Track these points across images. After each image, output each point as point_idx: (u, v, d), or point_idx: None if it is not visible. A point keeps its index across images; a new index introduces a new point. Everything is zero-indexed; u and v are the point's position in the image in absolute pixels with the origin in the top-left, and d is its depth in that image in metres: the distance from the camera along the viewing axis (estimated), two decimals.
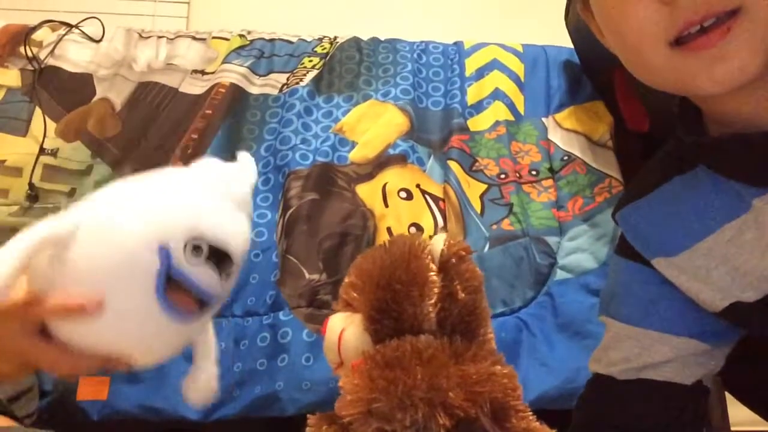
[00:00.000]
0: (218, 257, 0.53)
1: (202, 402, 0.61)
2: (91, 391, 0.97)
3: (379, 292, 0.46)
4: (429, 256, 0.48)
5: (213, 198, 0.56)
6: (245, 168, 0.61)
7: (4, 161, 1.17)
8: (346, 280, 0.51)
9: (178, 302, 0.52)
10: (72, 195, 1.15)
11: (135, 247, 0.51)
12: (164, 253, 0.51)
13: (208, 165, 0.59)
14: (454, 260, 0.47)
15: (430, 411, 0.38)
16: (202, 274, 0.53)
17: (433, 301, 0.46)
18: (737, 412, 1.29)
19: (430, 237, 0.51)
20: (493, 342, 0.48)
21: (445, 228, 1.13)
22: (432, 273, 0.47)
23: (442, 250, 0.48)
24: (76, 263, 0.50)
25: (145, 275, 0.51)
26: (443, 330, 0.46)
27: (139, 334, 0.53)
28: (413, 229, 1.12)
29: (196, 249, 0.52)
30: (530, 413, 0.44)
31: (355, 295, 0.49)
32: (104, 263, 0.50)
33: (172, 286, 0.51)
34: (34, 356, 0.53)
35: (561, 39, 1.40)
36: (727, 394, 1.35)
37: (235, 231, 0.56)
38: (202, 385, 0.61)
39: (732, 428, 1.38)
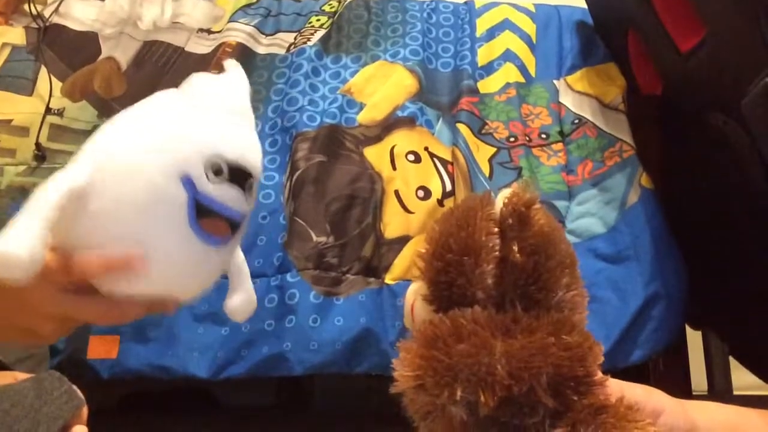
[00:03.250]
0: (238, 174, 0.53)
1: (246, 318, 0.63)
2: (101, 350, 0.99)
3: (434, 263, 0.43)
4: (492, 218, 0.43)
5: (217, 115, 0.55)
6: (236, 77, 0.59)
7: (10, 121, 1.17)
8: (419, 247, 0.47)
9: (212, 229, 0.52)
10: None
11: (158, 184, 0.49)
12: (188, 181, 0.50)
13: (199, 82, 0.57)
14: (511, 220, 0.42)
15: (471, 388, 0.37)
16: (227, 195, 0.52)
17: (490, 267, 0.41)
18: (741, 376, 1.31)
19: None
20: (576, 312, 0.43)
21: (453, 192, 1.12)
22: (491, 235, 0.42)
23: (501, 208, 0.43)
24: (102, 213, 0.49)
25: (174, 209, 0.50)
26: (504, 299, 0.42)
27: (181, 269, 0.52)
28: (421, 193, 1.11)
29: (217, 171, 0.51)
30: (599, 386, 0.40)
31: (421, 264, 0.45)
32: (131, 208, 0.49)
33: (202, 213, 0.51)
34: (78, 313, 0.52)
35: None
36: (731, 358, 1.36)
37: (247, 144, 0.55)
38: (245, 302, 0.63)
39: (735, 392, 1.39)
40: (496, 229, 0.42)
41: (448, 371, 0.37)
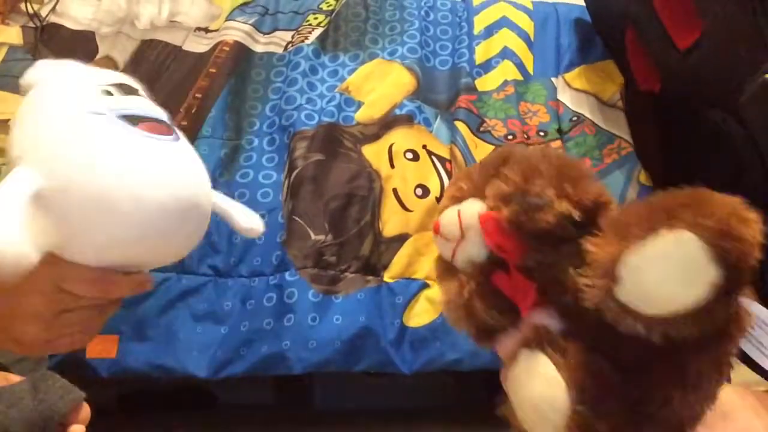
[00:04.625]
0: (126, 88, 0.56)
1: (259, 229, 0.64)
2: (100, 349, 0.99)
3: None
4: None
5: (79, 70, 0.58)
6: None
7: (7, 120, 1.17)
8: (446, 193, 0.46)
9: (153, 129, 0.53)
10: None
11: (83, 131, 0.51)
12: (97, 113, 0.52)
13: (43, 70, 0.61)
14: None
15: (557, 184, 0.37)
16: (137, 103, 0.54)
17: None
18: (740, 372, 1.31)
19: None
20: None
21: None
22: None
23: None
24: (63, 201, 0.49)
25: (110, 129, 0.51)
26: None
27: (155, 168, 0.52)
28: (419, 191, 1.11)
29: (107, 93, 0.54)
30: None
31: (463, 185, 0.44)
32: (81, 162, 0.49)
33: (134, 121, 0.52)
34: (65, 281, 0.52)
35: None
36: None
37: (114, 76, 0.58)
38: (247, 214, 0.63)
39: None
40: None
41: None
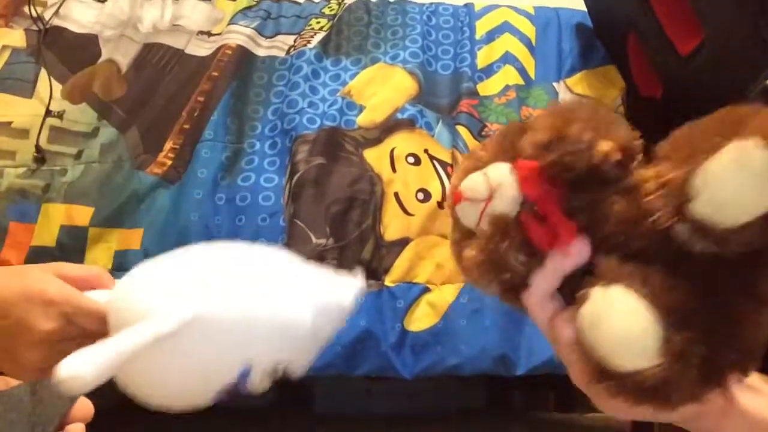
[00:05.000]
0: (282, 380, 0.53)
1: None
2: None
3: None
4: None
5: (317, 322, 0.53)
6: (350, 290, 0.55)
7: (10, 123, 1.17)
8: (461, 167, 0.45)
9: (227, 398, 0.52)
10: (79, 157, 1.15)
11: (224, 364, 0.49)
12: (244, 373, 0.49)
13: (317, 275, 0.55)
14: None
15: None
16: (258, 390, 0.52)
17: None
18: None
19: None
20: None
21: None
22: None
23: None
24: (166, 357, 0.49)
25: (217, 386, 0.50)
26: None
27: (186, 404, 0.52)
28: (421, 195, 1.12)
29: (273, 372, 0.51)
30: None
31: (482, 155, 0.43)
32: (189, 369, 0.49)
33: (230, 394, 0.51)
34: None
35: (574, 1, 1.37)
36: None
37: (311, 359, 0.55)
38: None
39: None
40: None
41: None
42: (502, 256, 0.40)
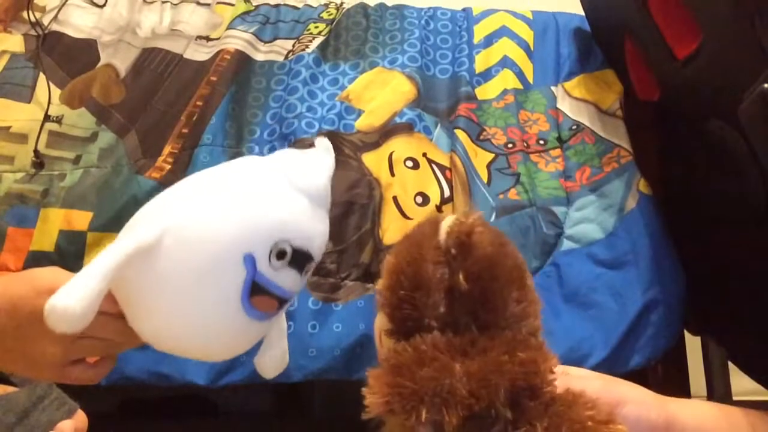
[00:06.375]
0: (300, 258, 0.53)
1: (275, 375, 0.63)
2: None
3: (389, 298, 0.45)
4: (438, 247, 0.45)
5: (295, 197, 0.55)
6: (322, 157, 0.59)
7: (8, 128, 1.17)
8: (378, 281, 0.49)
9: (261, 306, 0.52)
10: (77, 162, 1.15)
11: (222, 255, 0.50)
12: (250, 261, 0.50)
13: (286, 156, 0.57)
14: (454, 249, 0.43)
15: (436, 409, 0.39)
16: (285, 278, 0.53)
17: (441, 296, 0.43)
18: (740, 381, 1.31)
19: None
20: (520, 320, 0.45)
21: (451, 198, 1.13)
22: (439, 266, 0.44)
23: (444, 239, 0.44)
24: (161, 270, 0.50)
25: (231, 284, 0.50)
26: (458, 324, 0.43)
27: (222, 338, 0.53)
28: (419, 199, 1.12)
29: (280, 254, 0.52)
30: (552, 387, 0.42)
31: (380, 298, 0.47)
32: (190, 271, 0.50)
33: (255, 292, 0.51)
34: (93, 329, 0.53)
35: (572, 6, 1.37)
36: (730, 364, 1.36)
37: (317, 230, 0.56)
38: (277, 361, 0.62)
39: (734, 398, 1.39)
40: (443, 259, 0.44)
41: (413, 396, 0.39)
42: None
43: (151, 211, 0.53)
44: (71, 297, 0.44)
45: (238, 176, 0.56)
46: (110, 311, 0.53)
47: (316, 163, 0.59)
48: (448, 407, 0.38)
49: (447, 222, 0.45)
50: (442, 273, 0.44)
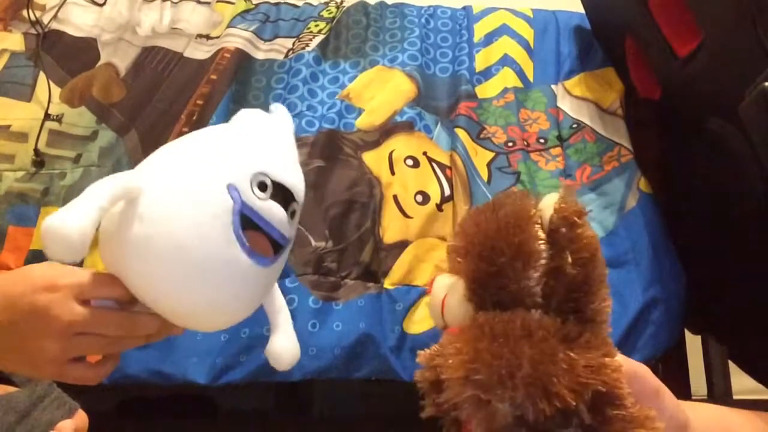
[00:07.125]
0: (281, 192, 0.54)
1: (289, 366, 0.61)
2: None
3: (480, 264, 0.42)
4: (538, 222, 0.42)
5: (265, 140, 0.57)
6: (282, 116, 0.62)
7: (9, 126, 1.17)
8: (451, 241, 0.46)
9: (255, 244, 0.52)
10: (77, 161, 1.15)
11: (205, 189, 0.51)
12: (234, 190, 0.51)
13: (248, 115, 0.59)
14: (564, 229, 0.40)
15: (530, 394, 0.36)
16: (272, 212, 0.53)
17: (538, 274, 0.41)
18: (740, 380, 1.31)
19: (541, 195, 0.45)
20: (606, 323, 0.43)
21: (451, 197, 1.12)
22: (540, 242, 0.41)
23: (552, 215, 0.41)
24: (150, 216, 0.50)
25: (221, 214, 0.51)
26: (549, 306, 0.41)
27: (225, 282, 0.52)
28: (420, 197, 1.12)
29: (261, 186, 0.53)
30: (629, 402, 0.40)
31: (459, 260, 0.44)
32: (177, 211, 0.50)
33: (246, 225, 0.52)
34: (93, 320, 0.53)
35: (572, 4, 1.37)
36: (730, 363, 1.36)
37: (291, 169, 0.57)
38: (290, 350, 0.61)
39: (735, 397, 1.39)
40: (544, 236, 0.42)
41: (508, 373, 0.37)
42: None
43: (131, 171, 0.56)
44: (71, 224, 0.45)
45: (209, 131, 0.59)
46: (112, 296, 0.52)
47: (277, 119, 0.61)
48: (544, 396, 0.36)
49: (551, 200, 0.43)
50: (544, 250, 0.41)
